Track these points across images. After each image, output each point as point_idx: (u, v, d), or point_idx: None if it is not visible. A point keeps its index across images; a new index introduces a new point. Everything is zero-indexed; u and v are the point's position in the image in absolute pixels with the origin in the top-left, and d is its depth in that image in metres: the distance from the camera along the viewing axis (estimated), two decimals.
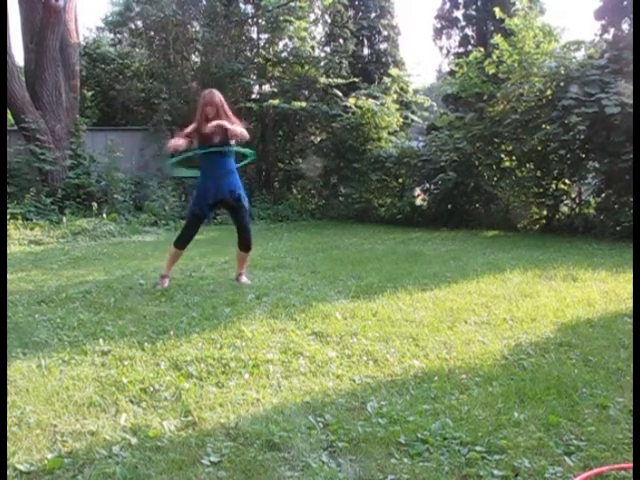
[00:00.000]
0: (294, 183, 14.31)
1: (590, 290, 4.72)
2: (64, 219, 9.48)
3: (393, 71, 13.37)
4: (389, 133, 12.53)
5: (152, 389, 2.69)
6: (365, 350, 3.25)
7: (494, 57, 10.13)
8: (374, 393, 2.67)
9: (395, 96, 12.78)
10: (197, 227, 5.07)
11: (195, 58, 14.89)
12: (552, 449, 2.13)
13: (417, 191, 12.17)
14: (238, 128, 4.78)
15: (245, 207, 5.05)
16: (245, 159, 5.29)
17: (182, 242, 5.04)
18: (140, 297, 4.64)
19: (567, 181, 9.85)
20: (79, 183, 10.76)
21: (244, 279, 5.22)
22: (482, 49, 10.73)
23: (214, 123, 4.68)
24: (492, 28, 18.52)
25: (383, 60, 19.88)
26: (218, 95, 4.88)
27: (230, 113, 4.90)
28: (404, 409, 2.47)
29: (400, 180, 12.24)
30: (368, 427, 2.31)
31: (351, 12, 19.60)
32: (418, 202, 11.90)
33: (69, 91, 11.31)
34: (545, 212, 10.00)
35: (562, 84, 9.11)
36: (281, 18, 13.28)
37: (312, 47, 14.16)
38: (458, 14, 21.92)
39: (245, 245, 5.17)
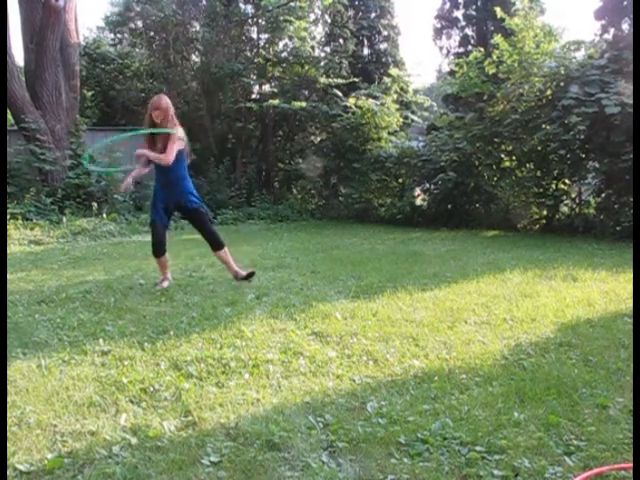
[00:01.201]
0: (294, 183, 14.32)
1: (590, 290, 4.71)
2: (64, 219, 9.48)
3: (393, 71, 13.37)
4: (389, 133, 12.54)
5: (152, 389, 2.69)
6: (365, 350, 3.25)
7: (494, 57, 10.14)
8: (374, 393, 2.67)
9: (395, 96, 12.79)
10: (161, 233, 5.05)
11: (195, 58, 14.89)
12: (552, 449, 2.13)
13: (417, 191, 12.18)
14: (154, 155, 4.87)
15: (200, 211, 5.09)
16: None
17: (155, 250, 5.05)
18: (140, 297, 4.65)
19: (567, 181, 9.86)
20: (79, 183, 10.75)
21: (242, 273, 5.23)
22: (482, 49, 10.73)
23: (139, 152, 4.94)
24: (492, 28, 18.52)
25: (383, 60, 19.87)
26: (165, 100, 4.95)
27: (175, 119, 4.95)
28: (404, 409, 2.47)
29: (400, 180, 12.25)
30: (368, 427, 2.31)
31: (351, 12, 19.59)
32: (418, 202, 11.90)
33: (69, 91, 11.31)
34: (545, 212, 10.00)
35: (562, 84, 9.11)
36: (281, 18, 13.28)
37: (312, 47, 14.16)
38: (458, 14, 21.91)
39: (214, 245, 5.18)
